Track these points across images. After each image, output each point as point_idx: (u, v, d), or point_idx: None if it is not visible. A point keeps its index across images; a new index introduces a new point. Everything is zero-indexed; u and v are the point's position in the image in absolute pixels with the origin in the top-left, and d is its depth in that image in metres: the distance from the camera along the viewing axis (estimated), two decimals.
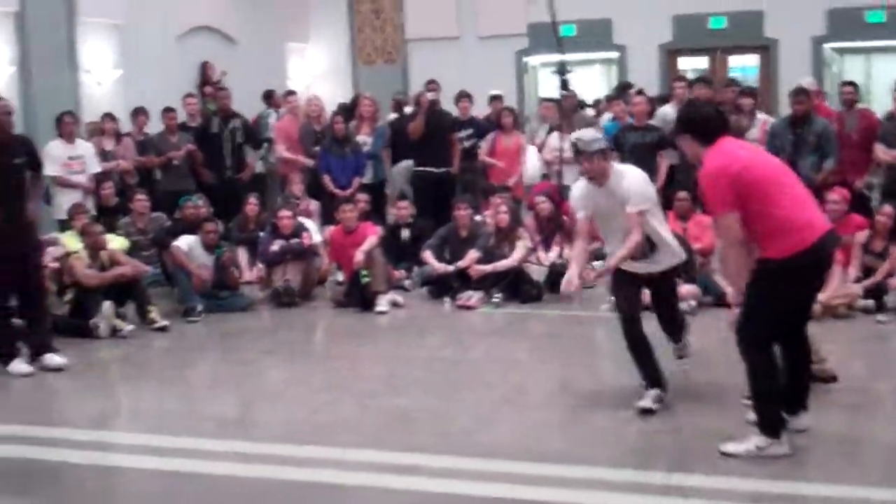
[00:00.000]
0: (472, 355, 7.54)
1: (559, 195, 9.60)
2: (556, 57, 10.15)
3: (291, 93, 12.29)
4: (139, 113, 11.49)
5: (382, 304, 8.75)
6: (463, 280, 9.11)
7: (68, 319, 8.01)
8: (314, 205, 10.88)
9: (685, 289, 8.33)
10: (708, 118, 4.98)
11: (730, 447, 4.87)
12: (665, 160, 10.32)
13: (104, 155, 10.71)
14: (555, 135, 10.92)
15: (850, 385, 5.88)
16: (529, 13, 15.07)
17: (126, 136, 11.18)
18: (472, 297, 8.85)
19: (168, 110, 11.25)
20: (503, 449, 5.12)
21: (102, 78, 12.50)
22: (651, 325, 5.97)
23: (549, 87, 14.30)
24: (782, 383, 4.97)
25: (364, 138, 11.08)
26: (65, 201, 9.69)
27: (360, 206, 9.70)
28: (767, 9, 14.94)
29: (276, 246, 9.26)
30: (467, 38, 16.02)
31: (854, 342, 7.27)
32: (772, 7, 14.88)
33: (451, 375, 6.74)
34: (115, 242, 8.82)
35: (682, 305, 8.18)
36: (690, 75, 14.52)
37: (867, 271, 8.36)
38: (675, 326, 6.17)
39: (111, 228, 9.21)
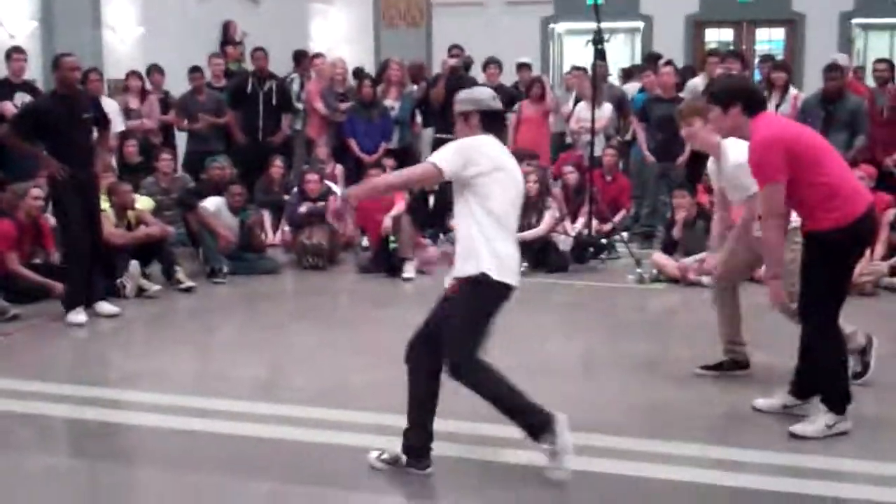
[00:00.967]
0: (497, 325, 7.47)
1: (589, 165, 9.53)
2: (583, 25, 10.05)
3: (318, 55, 12.20)
4: (154, 71, 11.42)
5: (409, 270, 8.72)
6: None
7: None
8: (339, 169, 10.82)
9: (710, 261, 8.27)
10: (756, 89, 5.01)
11: (798, 428, 4.83)
12: None
13: (128, 113, 10.66)
14: (582, 104, 10.84)
15: (878, 363, 5.83)
16: None
17: (150, 93, 11.10)
18: None
19: (195, 70, 11.17)
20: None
21: (125, 35, 12.41)
22: None
23: (574, 55, 14.21)
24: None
25: (391, 103, 11.00)
26: None
27: (387, 171, 9.62)
28: None
29: (303, 208, 9.23)
30: (493, 3, 15.88)
31: (880, 319, 7.21)
32: None
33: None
34: (142, 202, 8.79)
35: (708, 279, 8.16)
36: (714, 47, 14.44)
37: (893, 249, 8.34)
38: None
39: (135, 188, 9.17)
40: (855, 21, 15.00)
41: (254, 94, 11.20)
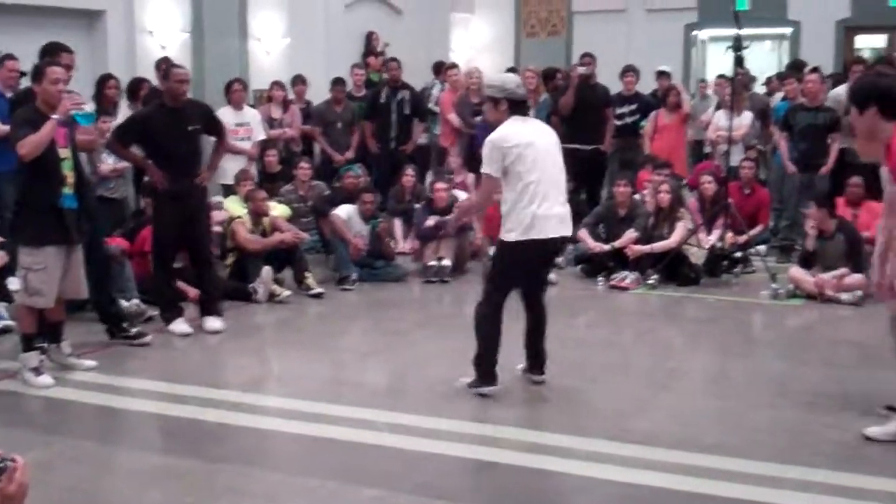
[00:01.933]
0: (626, 338, 7.37)
1: (726, 175, 9.26)
2: (727, 31, 9.78)
3: (453, 66, 12.26)
4: (298, 81, 11.68)
5: None
6: (618, 260, 8.91)
7: (228, 282, 8.22)
8: (470, 178, 10.83)
9: (853, 278, 7.93)
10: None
11: (871, 431, 4.78)
12: (837, 143, 9.84)
13: (271, 122, 10.94)
14: (721, 113, 10.56)
15: None
16: None
17: (293, 103, 11.38)
18: (628, 277, 8.66)
19: (337, 82, 11.38)
20: (658, 436, 4.96)
21: (271, 46, 12.77)
22: None
23: (718, 62, 13.85)
24: None
25: None
26: (231, 167, 9.90)
27: None
28: None
29: (430, 221, 9.27)
30: (635, 10, 15.65)
31: None
32: None
33: (604, 357, 6.59)
34: (278, 210, 9.01)
35: (847, 296, 7.83)
36: (866, 54, 13.82)
37: None
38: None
39: (273, 195, 9.40)
40: None
41: (387, 104, 11.38)
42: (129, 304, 7.37)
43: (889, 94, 4.62)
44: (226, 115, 10.12)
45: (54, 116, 5.75)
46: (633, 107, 11.15)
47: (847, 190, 9.16)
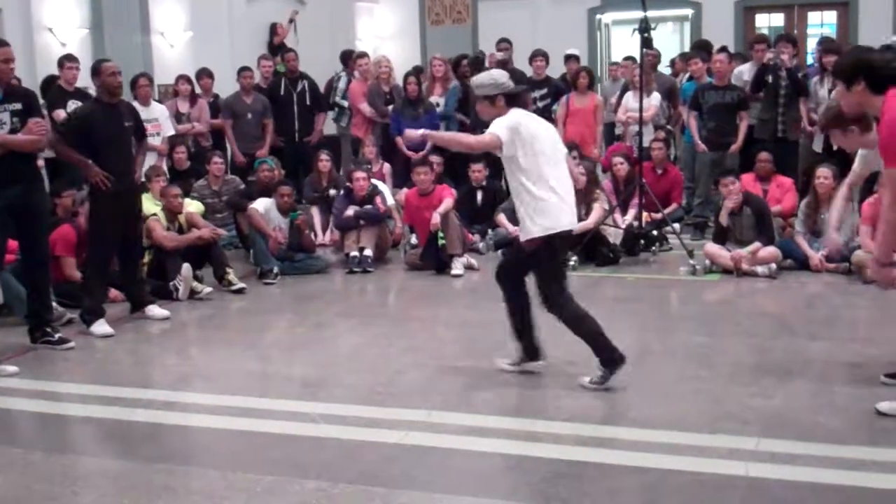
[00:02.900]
0: (546, 319, 7.41)
1: (638, 156, 9.42)
2: (630, 14, 9.94)
3: (362, 55, 12.20)
4: (204, 75, 11.50)
5: (458, 267, 8.70)
6: None
7: (148, 281, 8.07)
8: (387, 167, 10.84)
9: (766, 251, 8.17)
10: (882, 64, 4.61)
11: (883, 406, 4.82)
12: (745, 121, 10.10)
13: (178, 117, 10.76)
14: (630, 94, 10.73)
15: None
16: None
17: (200, 97, 11.19)
18: None
19: (244, 69, 11.24)
20: (586, 413, 5.06)
21: (174, 40, 12.54)
22: None
23: (622, 45, 14.07)
24: None
25: (437, 99, 10.98)
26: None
27: (434, 168, 9.61)
28: None
29: (350, 211, 9.24)
30: None
31: None
32: None
33: None
34: (192, 206, 8.87)
35: (762, 269, 8.06)
36: (765, 32, 14.20)
37: None
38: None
39: (185, 192, 9.25)
40: None
41: (287, 96, 11.29)
42: None
43: (875, 67, 4.58)
44: None
45: None
46: (544, 91, 11.25)
47: (756, 165, 9.42)
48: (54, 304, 7.19)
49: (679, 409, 5.10)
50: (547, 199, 5.38)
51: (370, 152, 10.72)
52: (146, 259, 8.23)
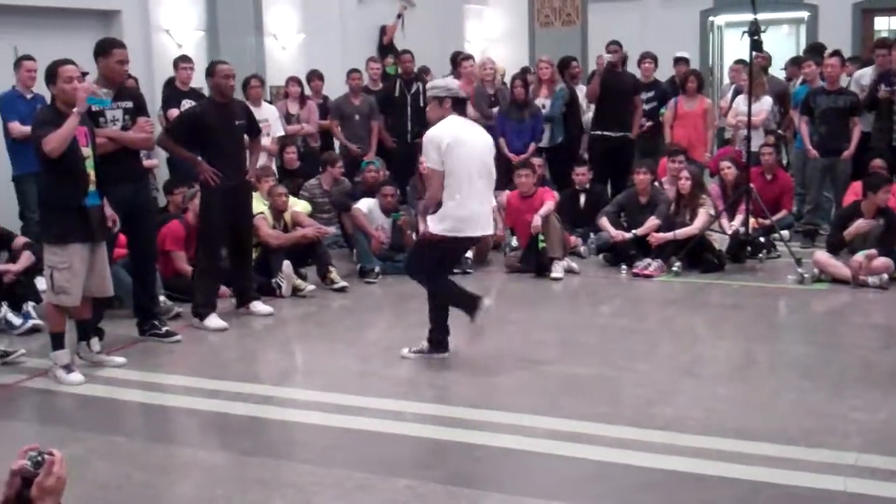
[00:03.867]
0: (649, 325, 7.36)
1: (747, 161, 9.22)
2: (745, 17, 9.73)
3: (467, 57, 12.23)
4: (314, 77, 11.68)
5: (558, 270, 8.66)
6: (641, 247, 8.90)
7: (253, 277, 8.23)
8: None
9: (880, 261, 7.90)
10: None
11: None
12: (858, 126, 9.79)
13: (288, 118, 10.96)
14: (740, 98, 10.51)
15: None
16: None
17: (309, 99, 11.39)
18: (651, 265, 8.65)
19: (353, 71, 11.39)
20: (684, 422, 4.96)
21: (286, 42, 12.79)
22: None
23: (734, 48, 13.78)
24: None
25: (543, 101, 10.94)
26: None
27: (537, 171, 9.58)
28: None
29: None
30: None
31: None
32: None
33: (628, 345, 6.59)
34: (299, 206, 9.04)
35: (873, 279, 7.80)
36: (885, 35, 13.73)
37: None
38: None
39: (293, 191, 9.43)
40: None
41: (402, 98, 11.38)
42: None
43: None
44: None
45: (75, 110, 5.79)
46: (651, 94, 11.11)
47: (870, 173, 9.12)
48: (163, 297, 7.43)
49: (778, 420, 4.97)
50: (450, 204, 6.03)
51: None
52: (253, 256, 8.42)
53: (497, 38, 16.78)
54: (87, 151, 5.97)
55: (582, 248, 9.55)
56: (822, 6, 14.70)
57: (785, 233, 9.41)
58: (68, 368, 5.94)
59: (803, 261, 8.35)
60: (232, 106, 7.42)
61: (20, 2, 9.57)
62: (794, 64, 11.89)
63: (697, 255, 8.66)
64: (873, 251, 7.96)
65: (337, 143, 11.50)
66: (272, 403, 5.55)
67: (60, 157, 5.78)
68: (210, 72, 7.47)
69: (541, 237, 8.71)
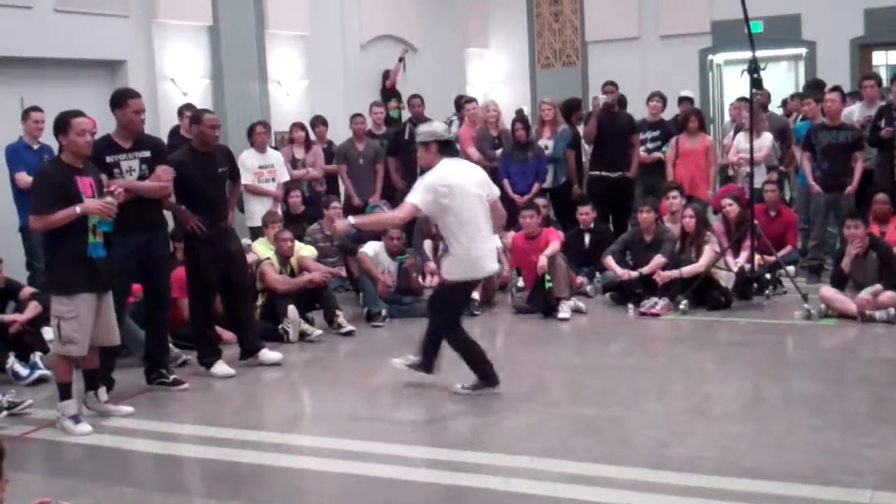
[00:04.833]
0: (658, 364, 7.34)
1: (750, 197, 9.24)
2: (744, 54, 9.80)
3: (470, 100, 12.32)
4: (318, 122, 11.76)
5: (565, 310, 8.65)
6: (647, 286, 8.90)
7: (259, 324, 8.24)
8: None
9: (886, 295, 7.88)
10: None
11: None
12: (860, 161, 9.82)
13: (294, 163, 11.02)
14: (741, 135, 10.56)
15: None
16: (713, 11, 14.73)
17: (314, 144, 11.46)
18: (657, 303, 8.64)
19: (356, 116, 11.47)
20: (697, 462, 4.93)
21: (290, 88, 12.89)
22: None
23: (734, 85, 13.87)
24: None
25: (545, 142, 11.00)
26: (256, 209, 10.00)
27: (541, 211, 9.60)
28: None
29: None
30: (648, 37, 15.67)
31: None
32: None
33: (638, 384, 6.56)
34: (305, 250, 9.06)
35: (880, 314, 7.79)
36: (883, 71, 13.81)
37: None
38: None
39: (298, 235, 9.45)
40: None
41: (411, 141, 11.42)
42: None
43: None
44: (250, 157, 10.22)
45: (77, 209, 5.78)
46: (656, 133, 11.17)
47: (873, 207, 9.14)
48: (171, 345, 7.42)
49: (791, 458, 4.94)
50: (464, 248, 6.19)
51: None
52: (259, 302, 8.43)
53: (499, 81, 16.89)
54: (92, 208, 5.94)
55: (588, 288, 9.56)
56: (820, 42, 14.77)
57: (790, 269, 9.40)
58: (76, 419, 5.93)
59: (810, 296, 8.34)
60: (214, 154, 7.30)
61: (27, 53, 9.67)
62: (795, 100, 11.94)
63: (704, 293, 8.65)
64: (878, 287, 7.96)
65: (342, 188, 11.55)
66: (281, 451, 5.52)
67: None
68: (196, 119, 7.40)
69: (547, 277, 8.72)
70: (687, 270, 8.69)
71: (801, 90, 12.93)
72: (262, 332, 7.95)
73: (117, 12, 10.62)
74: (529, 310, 8.90)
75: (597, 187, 10.79)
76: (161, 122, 10.65)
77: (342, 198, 11.41)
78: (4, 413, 6.14)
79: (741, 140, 10.47)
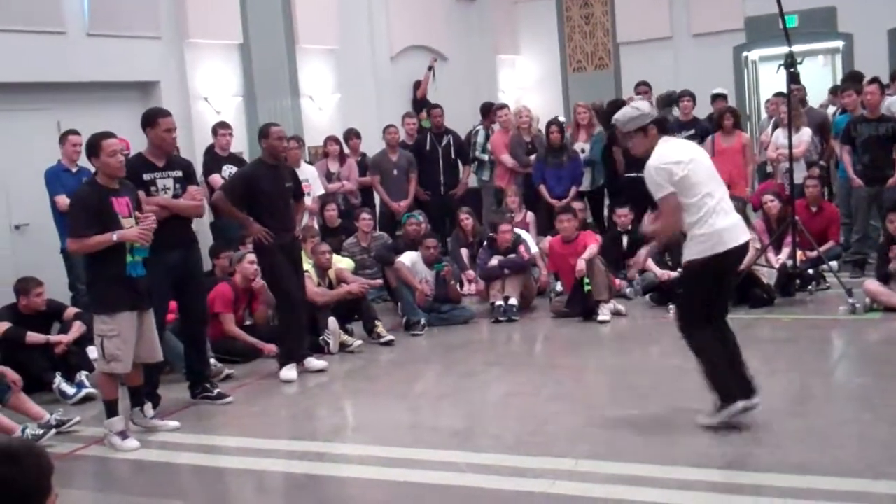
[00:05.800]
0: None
1: (791, 193, 9.14)
2: (779, 50, 9.71)
3: (502, 106, 12.31)
4: (352, 135, 11.82)
5: (604, 313, 8.60)
6: None
7: None
8: (531, 216, 10.85)
9: None
10: None
11: None
12: None
13: (329, 176, 11.07)
14: (780, 131, 10.45)
15: None
16: (746, 7, 14.62)
17: (348, 157, 11.50)
18: None
19: (389, 127, 11.53)
20: (744, 460, 4.89)
21: (322, 103, 12.95)
22: None
23: (771, 81, 13.74)
24: None
25: (582, 145, 10.96)
26: None
27: (578, 215, 9.57)
28: None
29: (494, 261, 9.28)
30: (681, 36, 15.60)
31: None
32: None
33: (680, 385, 6.47)
34: (343, 262, 9.10)
35: None
36: None
37: None
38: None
39: (335, 248, 9.49)
40: None
41: (433, 150, 11.49)
42: None
43: None
44: None
45: (114, 237, 5.86)
46: (691, 132, 11.07)
47: None
48: (213, 360, 7.48)
49: (840, 453, 4.87)
50: (706, 222, 5.25)
51: (513, 202, 10.77)
52: None
53: (531, 86, 16.87)
54: (128, 223, 6.00)
55: (628, 290, 9.49)
56: (857, 34, 14.61)
57: (833, 264, 9.27)
58: (123, 435, 5.98)
59: (854, 290, 8.23)
60: (281, 168, 7.60)
61: (61, 78, 9.80)
62: (833, 93, 11.80)
63: (746, 291, 8.55)
64: None
65: (377, 198, 11.60)
66: (326, 460, 5.54)
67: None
68: (264, 133, 7.61)
69: (586, 280, 8.68)
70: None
71: (839, 83, 12.76)
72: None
73: (149, 34, 10.73)
74: (569, 313, 8.86)
75: (632, 189, 10.69)
76: (196, 141, 10.74)
77: (377, 209, 11.45)
78: (53, 431, 6.19)
79: (779, 136, 10.36)
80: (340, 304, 8.51)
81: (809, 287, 8.83)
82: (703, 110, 11.94)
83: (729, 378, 5.37)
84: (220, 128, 10.08)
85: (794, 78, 8.54)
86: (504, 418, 6.05)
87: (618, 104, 11.75)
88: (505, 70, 16.69)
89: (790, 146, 9.02)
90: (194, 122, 11.06)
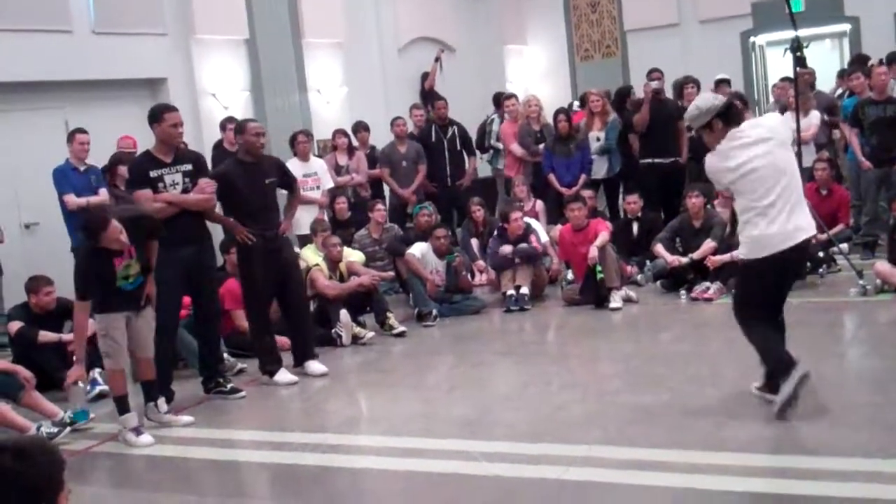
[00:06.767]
0: (713, 349, 7.26)
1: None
2: (786, 34, 9.67)
3: (510, 96, 12.30)
4: (360, 128, 11.83)
5: (616, 300, 8.61)
6: (698, 271, 8.82)
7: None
8: (540, 205, 10.85)
9: None
10: None
11: None
12: None
13: (338, 170, 11.08)
14: (788, 115, 10.40)
15: None
16: None
17: (357, 150, 11.51)
18: (710, 288, 8.56)
19: (396, 119, 11.54)
20: (756, 443, 4.89)
21: (330, 96, 12.96)
22: None
23: (778, 66, 13.70)
24: None
25: (597, 133, 10.94)
26: (304, 218, 10.04)
27: (588, 203, 9.56)
28: None
29: (507, 248, 9.28)
30: (688, 22, 15.54)
31: None
32: None
33: (692, 370, 6.51)
34: (354, 255, 9.12)
35: None
36: None
37: None
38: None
39: (345, 241, 9.50)
40: None
41: (438, 142, 11.50)
42: None
43: None
44: (293, 166, 10.20)
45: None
46: None
47: None
48: (226, 355, 7.50)
49: (852, 435, 4.86)
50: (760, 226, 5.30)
51: (521, 191, 10.76)
52: (311, 308, 8.47)
53: (539, 76, 16.84)
54: (125, 263, 5.97)
55: (639, 277, 9.49)
56: (864, 17, 14.53)
57: (844, 246, 9.25)
58: (137, 431, 6.01)
59: (864, 273, 8.21)
60: (261, 164, 7.24)
61: (68, 76, 9.84)
62: (840, 77, 11.76)
63: None
64: None
65: (387, 191, 11.61)
66: (340, 452, 5.56)
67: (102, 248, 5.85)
68: (240, 129, 7.36)
69: (598, 268, 8.68)
70: (738, 253, 8.56)
71: (845, 67, 12.70)
72: (316, 338, 8.00)
73: (155, 31, 10.77)
74: (581, 301, 8.87)
75: (650, 175, 10.69)
76: (204, 137, 10.77)
77: (387, 201, 11.46)
78: (68, 429, 6.24)
79: (788, 120, 10.30)
80: (352, 297, 8.52)
81: (820, 270, 8.82)
82: None
83: (783, 352, 5.36)
84: (229, 123, 10.10)
85: (801, 62, 8.51)
86: (517, 407, 6.06)
87: (623, 92, 11.75)
88: (513, 60, 16.66)
89: (798, 130, 8.99)
90: (202, 118, 11.11)
